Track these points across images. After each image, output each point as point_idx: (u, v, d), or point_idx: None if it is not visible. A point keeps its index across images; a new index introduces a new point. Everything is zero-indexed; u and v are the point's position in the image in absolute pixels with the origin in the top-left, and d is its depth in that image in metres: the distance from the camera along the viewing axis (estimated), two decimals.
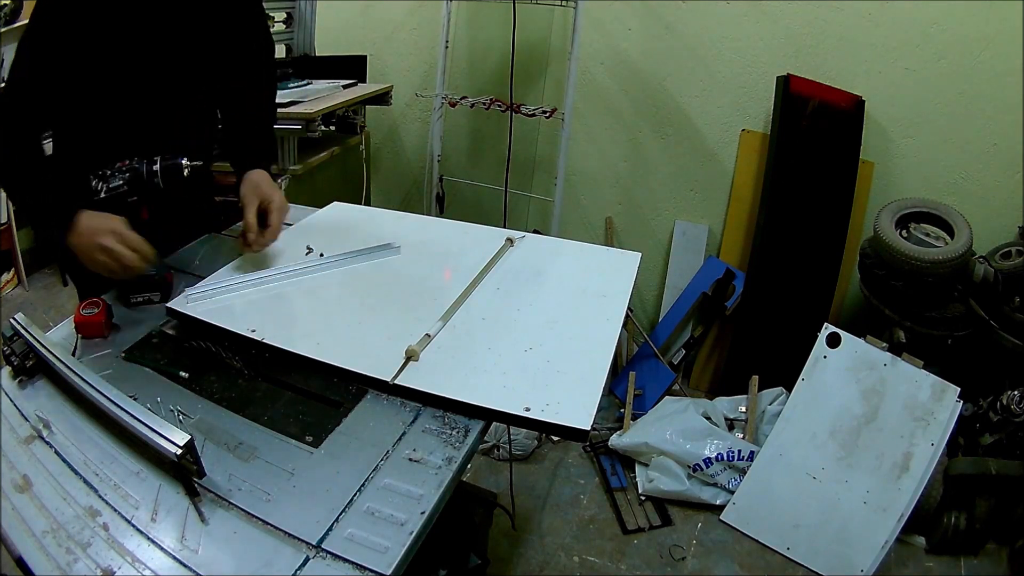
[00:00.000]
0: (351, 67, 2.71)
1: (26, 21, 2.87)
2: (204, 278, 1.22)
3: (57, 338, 1.07)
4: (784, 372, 2.24)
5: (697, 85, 2.53)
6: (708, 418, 2.19)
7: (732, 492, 2.06)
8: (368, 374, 1.00)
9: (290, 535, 0.77)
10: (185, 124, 1.34)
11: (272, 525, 0.78)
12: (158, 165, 1.17)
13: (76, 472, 0.85)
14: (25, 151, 1.17)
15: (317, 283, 1.26)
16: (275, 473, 0.85)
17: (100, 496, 0.82)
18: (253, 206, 1.24)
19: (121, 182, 1.16)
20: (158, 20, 1.20)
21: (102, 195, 1.15)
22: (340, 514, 0.79)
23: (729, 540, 2.00)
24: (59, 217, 1.11)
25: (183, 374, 1.02)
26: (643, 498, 2.13)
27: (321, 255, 1.33)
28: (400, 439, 0.92)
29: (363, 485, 0.84)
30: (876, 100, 2.33)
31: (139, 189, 1.17)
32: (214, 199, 1.55)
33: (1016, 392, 1.98)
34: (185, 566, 0.74)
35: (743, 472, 2.05)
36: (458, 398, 0.96)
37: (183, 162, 1.19)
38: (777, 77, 2.37)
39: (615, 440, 2.24)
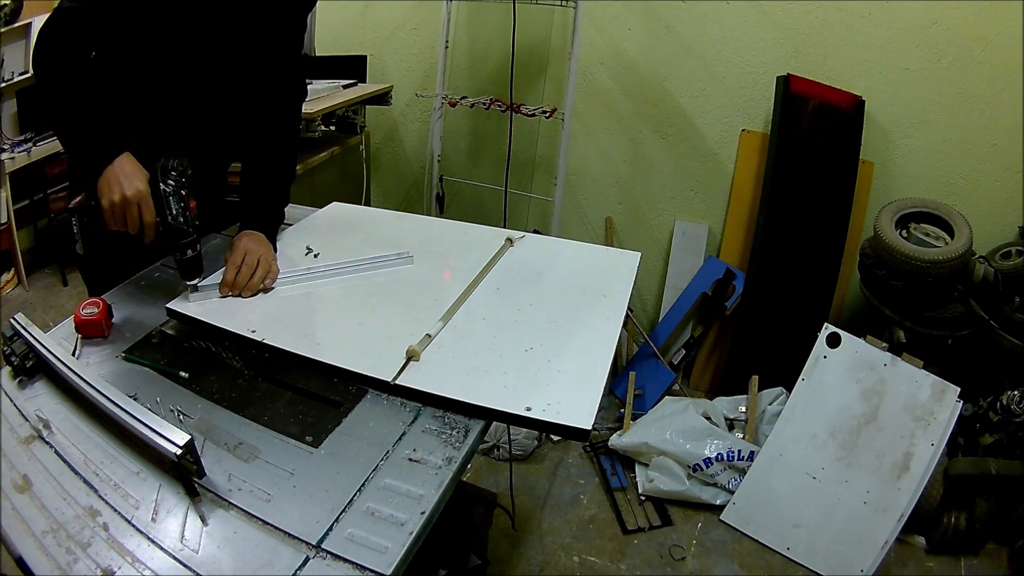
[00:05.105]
0: (351, 67, 2.71)
1: (26, 21, 2.90)
2: (204, 278, 1.22)
3: (57, 338, 1.07)
4: (784, 372, 2.23)
5: (697, 85, 2.53)
6: (708, 418, 2.19)
7: (732, 492, 2.06)
8: (369, 374, 1.00)
9: (290, 535, 0.77)
10: (209, 123, 1.35)
11: (272, 525, 0.78)
12: (187, 255, 1.13)
13: (76, 472, 0.85)
14: (78, 76, 1.14)
15: (317, 283, 1.26)
16: (275, 473, 0.85)
17: (100, 496, 0.82)
18: (235, 265, 1.20)
19: (173, 212, 1.10)
20: (201, 17, 1.20)
21: (162, 186, 1.09)
22: (340, 514, 0.79)
23: (729, 540, 2.00)
24: (108, 149, 1.10)
25: (183, 374, 1.02)
26: (643, 498, 2.13)
27: (316, 256, 1.33)
28: (400, 439, 0.92)
29: (363, 485, 0.84)
30: (876, 100, 2.33)
31: (167, 233, 1.12)
32: (224, 199, 1.55)
33: (1016, 392, 1.98)
34: (185, 566, 0.74)
35: (743, 472, 2.05)
36: (459, 398, 0.96)
37: (187, 282, 1.15)
38: (777, 77, 2.37)
39: (615, 440, 2.24)
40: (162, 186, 1.08)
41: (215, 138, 1.40)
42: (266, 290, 1.22)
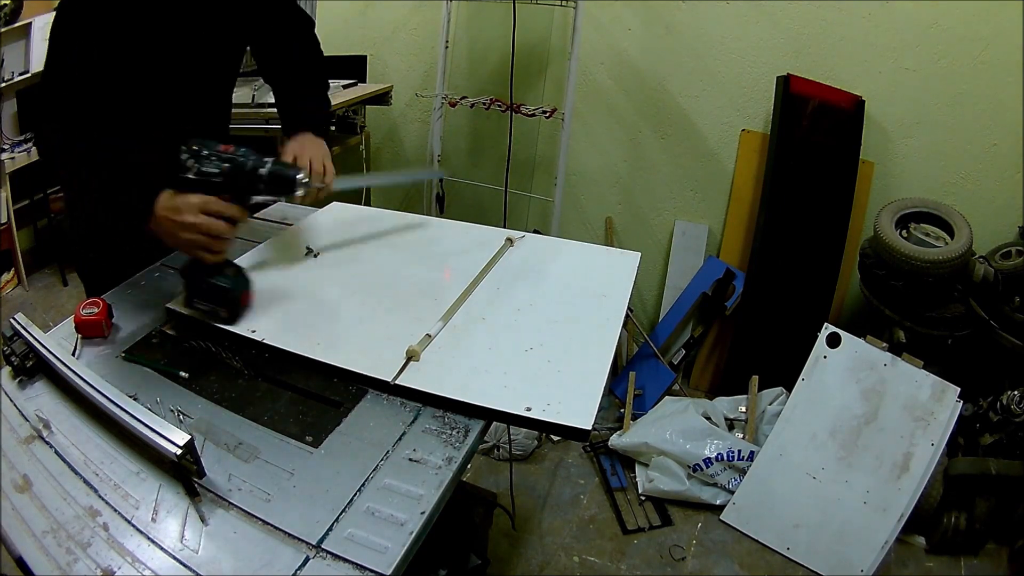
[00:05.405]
0: (351, 67, 2.71)
1: (26, 21, 2.90)
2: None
3: (57, 338, 1.07)
4: (784, 372, 2.24)
5: (697, 85, 2.53)
6: (708, 418, 2.19)
7: (732, 492, 2.06)
8: (369, 374, 1.00)
9: (290, 535, 0.77)
10: (210, 118, 1.36)
11: (272, 525, 0.78)
12: (267, 168, 1.03)
13: (76, 472, 0.85)
14: (91, 140, 1.11)
15: (317, 283, 1.26)
16: (275, 473, 0.85)
17: (100, 496, 0.82)
18: (305, 157, 1.22)
19: (217, 171, 1.02)
20: (193, 15, 1.21)
21: (190, 175, 1.02)
22: (340, 514, 0.79)
23: (729, 540, 2.00)
24: (141, 207, 1.05)
25: (183, 374, 1.02)
26: (643, 498, 2.13)
27: (316, 255, 1.33)
28: (400, 439, 0.91)
29: (363, 485, 0.84)
30: (876, 100, 2.33)
31: (235, 186, 1.03)
32: None
33: (1016, 392, 1.98)
34: (185, 566, 0.73)
35: (743, 472, 2.05)
36: (459, 398, 0.95)
37: (297, 176, 1.04)
38: (777, 77, 2.37)
39: (615, 440, 2.24)
40: (191, 175, 1.02)
41: (222, 122, 1.40)
42: (326, 193, 1.24)
